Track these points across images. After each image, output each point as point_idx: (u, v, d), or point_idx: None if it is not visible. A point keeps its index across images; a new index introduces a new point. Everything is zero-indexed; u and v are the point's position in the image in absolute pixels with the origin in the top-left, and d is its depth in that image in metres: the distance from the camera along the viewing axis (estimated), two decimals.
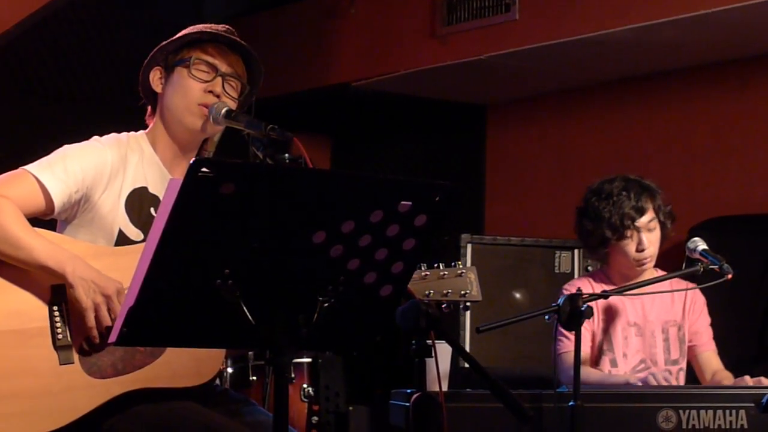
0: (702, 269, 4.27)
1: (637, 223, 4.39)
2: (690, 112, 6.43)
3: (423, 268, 3.66)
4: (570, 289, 4.39)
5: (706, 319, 4.56)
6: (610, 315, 4.48)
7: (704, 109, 6.38)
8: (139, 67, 3.44)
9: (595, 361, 4.47)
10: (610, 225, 4.41)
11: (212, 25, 3.43)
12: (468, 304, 3.74)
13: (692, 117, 6.42)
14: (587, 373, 4.33)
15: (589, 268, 5.82)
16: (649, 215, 4.43)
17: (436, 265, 3.68)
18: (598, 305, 4.43)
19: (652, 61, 6.28)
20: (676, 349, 4.48)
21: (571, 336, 4.06)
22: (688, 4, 5.47)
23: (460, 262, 3.71)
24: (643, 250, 4.39)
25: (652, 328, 4.48)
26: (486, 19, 6.28)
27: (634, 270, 4.45)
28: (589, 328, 4.45)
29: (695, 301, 4.54)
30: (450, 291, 3.66)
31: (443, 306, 3.66)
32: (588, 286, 4.47)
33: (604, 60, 6.27)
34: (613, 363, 4.44)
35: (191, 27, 3.43)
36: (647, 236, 4.41)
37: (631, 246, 4.41)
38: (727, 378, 4.39)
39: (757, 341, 5.65)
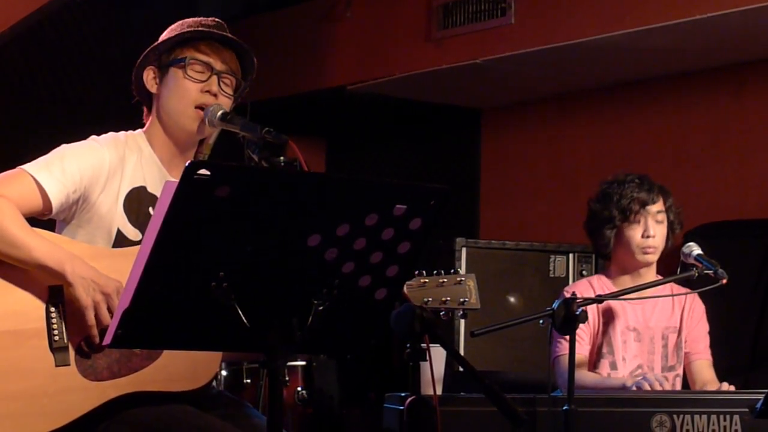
0: (696, 274, 4.28)
1: (646, 208, 4.40)
2: (685, 117, 6.44)
3: (423, 275, 3.65)
4: (570, 291, 4.39)
5: (705, 327, 4.55)
6: (611, 318, 4.48)
7: (699, 114, 6.39)
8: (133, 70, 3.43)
9: (594, 364, 4.47)
10: (618, 206, 4.41)
11: (202, 19, 3.41)
12: (466, 312, 3.73)
13: (687, 122, 6.43)
14: (584, 376, 4.33)
15: (584, 272, 5.83)
16: (659, 206, 4.43)
17: (435, 272, 3.67)
18: (599, 308, 4.43)
19: (648, 66, 6.29)
20: (673, 355, 4.48)
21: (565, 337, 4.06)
22: (684, 9, 5.47)
23: (460, 270, 3.70)
24: (648, 237, 4.39)
25: (652, 333, 4.49)
26: (481, 23, 6.28)
27: (636, 261, 4.43)
28: (588, 331, 4.45)
29: (694, 308, 4.53)
30: (448, 298, 3.66)
31: (441, 314, 3.65)
32: (589, 289, 4.47)
33: (600, 64, 6.27)
34: (613, 366, 4.44)
35: (180, 23, 3.41)
36: (654, 226, 4.40)
37: (636, 231, 4.40)
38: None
39: (750, 347, 5.65)
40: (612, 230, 4.45)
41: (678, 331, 4.51)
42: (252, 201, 2.36)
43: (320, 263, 2.48)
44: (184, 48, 3.37)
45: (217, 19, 3.43)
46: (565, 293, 4.35)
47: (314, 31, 7.14)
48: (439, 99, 7.21)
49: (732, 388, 4.13)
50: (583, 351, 4.42)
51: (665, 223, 4.45)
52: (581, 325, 4.16)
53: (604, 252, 4.55)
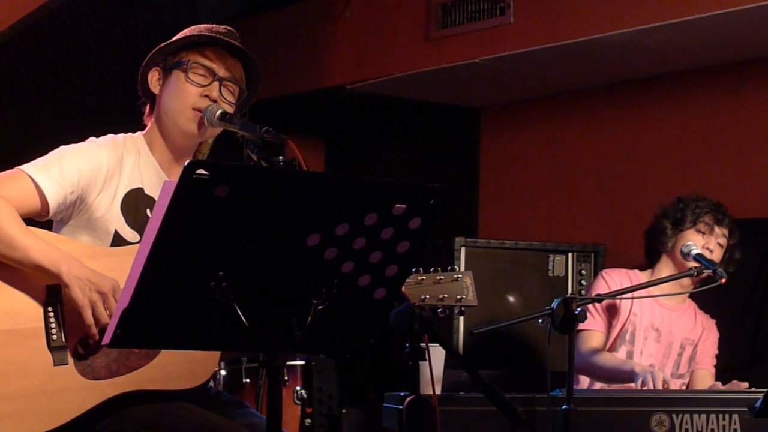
0: (696, 273, 4.30)
1: (716, 227, 4.47)
2: (684, 117, 6.44)
3: (420, 273, 3.66)
4: (611, 274, 4.51)
5: (714, 350, 4.66)
6: (641, 312, 4.53)
7: (698, 114, 6.38)
8: (133, 69, 3.43)
9: (614, 349, 4.53)
10: (694, 212, 4.56)
11: (213, 26, 3.41)
12: (463, 309, 3.74)
13: (686, 121, 6.43)
14: (600, 356, 4.39)
15: (583, 272, 5.83)
16: (726, 232, 4.51)
17: (432, 269, 3.68)
18: (632, 299, 4.50)
19: (646, 65, 6.28)
20: (685, 365, 4.57)
21: (594, 313, 4.10)
22: (683, 8, 5.47)
23: (457, 267, 3.71)
24: (708, 250, 4.46)
25: (672, 339, 4.55)
26: (480, 22, 6.27)
27: (684, 267, 4.51)
28: (603, 309, 4.52)
29: (712, 330, 4.66)
30: (446, 296, 3.66)
31: (439, 311, 3.65)
32: (625, 277, 4.56)
33: (599, 64, 6.27)
34: (629, 356, 4.49)
35: (192, 27, 3.41)
36: (715, 246, 4.48)
37: (699, 240, 4.48)
38: None
39: (749, 346, 5.66)
40: (678, 230, 4.51)
41: (695, 344, 4.57)
42: (251, 201, 2.36)
43: (320, 263, 2.49)
44: (189, 52, 3.37)
45: (229, 28, 3.43)
46: (605, 275, 4.52)
47: (313, 31, 7.14)
48: (438, 98, 7.20)
49: (745, 384, 4.18)
50: (598, 327, 4.48)
51: (722, 249, 4.52)
52: (597, 305, 4.25)
53: (661, 249, 4.61)
